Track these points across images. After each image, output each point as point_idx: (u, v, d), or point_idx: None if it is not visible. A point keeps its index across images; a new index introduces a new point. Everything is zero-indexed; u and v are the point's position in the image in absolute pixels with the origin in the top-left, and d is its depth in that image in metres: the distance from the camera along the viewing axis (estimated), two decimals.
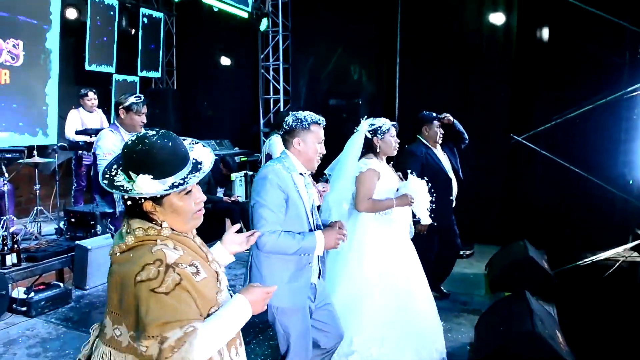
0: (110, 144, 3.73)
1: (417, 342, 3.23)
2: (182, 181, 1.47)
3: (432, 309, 3.41)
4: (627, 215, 5.55)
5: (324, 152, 2.58)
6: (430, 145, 4.37)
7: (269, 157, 5.63)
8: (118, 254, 1.48)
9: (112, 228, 3.93)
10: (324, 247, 2.44)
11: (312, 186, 2.66)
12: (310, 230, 2.50)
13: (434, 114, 4.39)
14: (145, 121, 3.85)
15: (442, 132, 4.39)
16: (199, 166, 1.53)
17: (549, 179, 6.18)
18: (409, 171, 3.45)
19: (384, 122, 3.43)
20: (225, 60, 8.91)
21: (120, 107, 3.78)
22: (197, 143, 1.61)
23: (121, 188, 1.48)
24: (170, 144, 1.47)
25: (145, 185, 1.43)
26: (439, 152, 4.41)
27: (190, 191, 1.52)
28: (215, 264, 1.61)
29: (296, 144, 2.52)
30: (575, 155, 5.69)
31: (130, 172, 1.46)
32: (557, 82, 6.10)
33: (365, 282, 3.28)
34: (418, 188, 3.37)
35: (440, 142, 4.42)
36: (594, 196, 5.61)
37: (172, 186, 1.46)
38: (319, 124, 2.55)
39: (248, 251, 2.19)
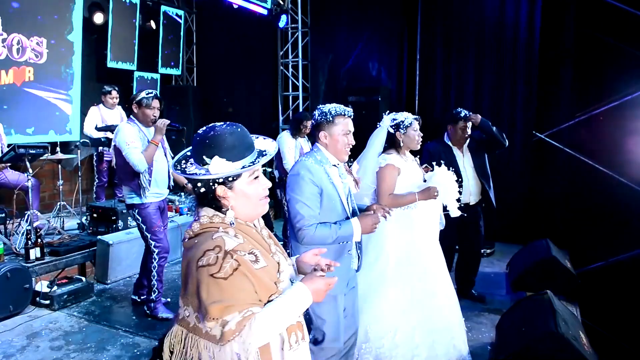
0: (131, 135, 3.85)
1: (432, 336, 3.20)
2: (251, 163, 1.57)
3: (452, 305, 3.37)
4: None
5: (353, 142, 2.60)
6: (452, 144, 4.34)
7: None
8: (187, 239, 1.59)
9: (140, 218, 3.98)
10: (362, 232, 2.48)
11: (347, 175, 2.70)
12: (347, 218, 2.53)
13: (462, 114, 4.25)
14: (157, 115, 3.96)
15: (469, 132, 4.29)
16: (264, 152, 1.64)
17: (572, 177, 6.07)
18: (434, 163, 3.40)
19: (406, 117, 3.39)
20: (244, 57, 8.92)
21: (133, 102, 3.94)
22: (258, 137, 1.72)
23: (195, 175, 1.56)
24: (238, 130, 1.60)
25: (220, 166, 1.53)
26: (459, 151, 4.34)
27: (257, 177, 1.63)
28: (278, 255, 1.66)
29: (322, 137, 2.57)
30: (599, 152, 5.58)
31: (204, 157, 1.55)
32: (582, 78, 5.98)
33: (382, 274, 3.27)
34: (445, 179, 3.32)
35: (465, 142, 4.34)
36: (617, 194, 5.49)
37: (244, 167, 1.56)
38: (344, 115, 2.57)
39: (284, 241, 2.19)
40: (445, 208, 3.47)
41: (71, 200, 6.29)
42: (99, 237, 5.07)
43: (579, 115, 5.60)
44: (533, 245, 5.09)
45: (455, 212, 3.42)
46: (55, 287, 4.39)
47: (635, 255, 4.92)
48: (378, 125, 3.43)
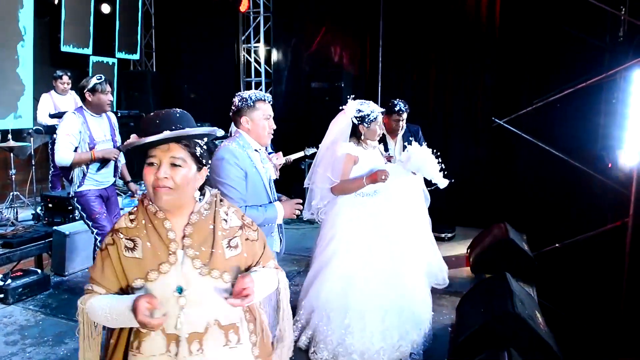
0: (71, 128, 3.73)
1: (399, 317, 3.26)
2: None
3: (419, 286, 3.46)
4: (605, 198, 5.63)
5: (274, 127, 2.68)
6: (386, 133, 4.57)
7: None
8: None
9: (79, 207, 3.90)
10: (283, 217, 2.60)
11: (268, 161, 2.77)
12: (270, 202, 2.63)
13: (397, 108, 4.53)
14: (112, 99, 3.88)
15: (401, 126, 4.59)
16: None
17: (531, 162, 6.23)
18: (405, 144, 3.43)
19: (372, 109, 3.33)
20: (205, 42, 8.74)
21: (85, 90, 3.78)
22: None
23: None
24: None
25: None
26: (392, 140, 4.66)
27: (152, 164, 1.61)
28: (180, 257, 1.52)
29: (244, 122, 2.62)
30: (556, 138, 5.73)
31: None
32: (540, 65, 6.13)
33: (350, 261, 3.27)
34: (422, 155, 3.35)
35: (398, 133, 4.64)
36: (573, 179, 5.66)
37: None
38: (264, 100, 2.64)
39: None
40: (431, 183, 3.51)
41: (25, 190, 6.06)
42: (54, 227, 4.91)
43: (537, 101, 5.72)
44: (491, 228, 5.21)
45: (443, 183, 3.47)
46: (9, 280, 4.23)
47: (587, 237, 5.09)
48: (341, 109, 3.41)
